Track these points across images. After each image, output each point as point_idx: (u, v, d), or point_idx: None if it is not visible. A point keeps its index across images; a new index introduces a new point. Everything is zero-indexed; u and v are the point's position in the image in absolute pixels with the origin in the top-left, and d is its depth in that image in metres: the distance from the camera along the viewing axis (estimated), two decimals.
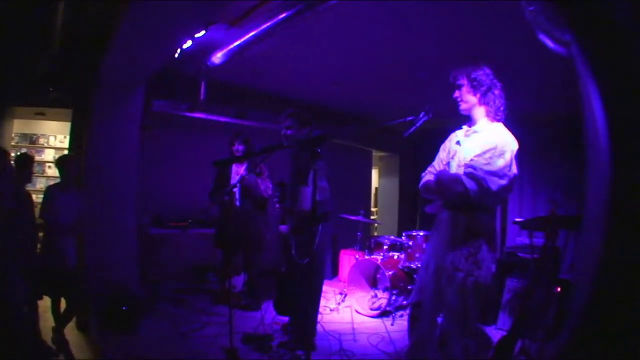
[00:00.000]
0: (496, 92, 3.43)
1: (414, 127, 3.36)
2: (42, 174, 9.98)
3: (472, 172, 3.22)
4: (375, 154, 12.43)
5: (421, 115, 3.32)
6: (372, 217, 12.42)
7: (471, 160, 3.31)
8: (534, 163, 8.04)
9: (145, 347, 5.01)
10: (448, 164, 3.61)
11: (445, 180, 3.38)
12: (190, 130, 7.99)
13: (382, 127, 3.04)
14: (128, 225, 5.34)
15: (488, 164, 3.22)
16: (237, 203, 6.53)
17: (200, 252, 7.62)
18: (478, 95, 3.43)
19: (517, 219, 5.09)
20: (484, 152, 3.28)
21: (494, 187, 3.18)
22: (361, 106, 9.15)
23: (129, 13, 3.87)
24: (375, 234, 11.59)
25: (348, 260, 8.84)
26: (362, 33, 5.45)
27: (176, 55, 5.21)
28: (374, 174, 13.38)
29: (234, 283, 6.93)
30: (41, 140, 10.13)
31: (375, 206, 13.53)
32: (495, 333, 5.90)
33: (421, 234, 7.17)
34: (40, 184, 9.71)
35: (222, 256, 6.92)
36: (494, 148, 3.26)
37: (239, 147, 6.58)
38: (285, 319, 5.65)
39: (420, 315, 3.62)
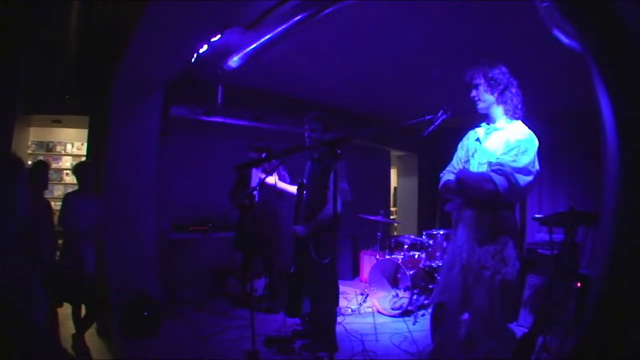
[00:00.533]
0: (513, 90, 3.43)
1: (433, 126, 3.35)
2: (60, 181, 10.02)
3: (501, 168, 3.21)
4: (394, 153, 12.41)
5: (440, 114, 3.30)
6: (391, 217, 12.43)
7: (497, 158, 3.31)
8: (551, 160, 7.97)
9: (166, 351, 5.01)
10: (467, 161, 3.60)
11: (473, 179, 3.36)
12: (208, 134, 7.97)
13: (401, 127, 3.02)
14: (147, 230, 5.33)
15: (514, 161, 3.22)
16: (256, 206, 6.53)
17: (221, 256, 7.60)
18: (496, 94, 3.43)
19: (537, 215, 5.02)
20: (510, 150, 3.28)
21: (522, 183, 3.19)
22: (377, 107, 9.15)
23: (144, 17, 3.89)
24: (395, 233, 11.57)
25: (369, 260, 8.85)
26: (376, 34, 5.44)
27: (193, 60, 5.24)
28: (393, 173, 13.37)
29: (255, 287, 6.95)
30: (58, 148, 10.16)
31: (395, 206, 13.52)
32: (517, 330, 5.91)
33: (441, 232, 7.14)
34: (58, 191, 9.75)
35: (242, 259, 6.93)
36: (518, 146, 3.26)
37: (258, 153, 6.57)
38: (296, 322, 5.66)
39: (444, 315, 3.60)
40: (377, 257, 7.75)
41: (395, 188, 13.59)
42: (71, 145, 10.23)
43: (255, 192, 6.43)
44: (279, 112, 8.01)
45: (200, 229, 7.22)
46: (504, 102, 3.43)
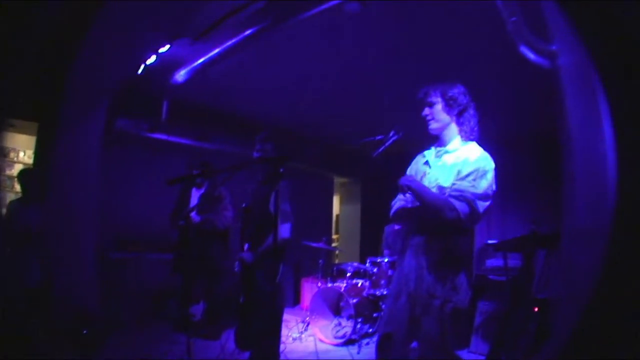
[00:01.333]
0: (471, 111, 3.27)
1: (383, 146, 3.25)
2: (12, 189, 9.59)
3: (462, 194, 3.04)
4: (337, 180, 12.31)
5: (391, 134, 3.21)
6: (333, 244, 12.32)
7: (453, 184, 3.12)
8: (501, 185, 8.06)
9: None
10: None
11: (434, 206, 3.13)
12: (151, 151, 7.74)
13: (351, 146, 2.92)
14: (88, 246, 5.10)
15: (473, 186, 3.05)
16: (194, 229, 6.34)
17: (161, 277, 7.32)
18: (453, 115, 3.26)
19: (490, 241, 5.00)
20: (467, 175, 3.10)
21: (481, 209, 3.04)
22: (325, 130, 9.05)
23: (96, 24, 3.71)
24: (337, 261, 11.48)
25: (310, 288, 8.65)
26: (326, 53, 5.38)
27: (140, 71, 5.05)
28: (335, 201, 13.22)
29: (193, 311, 6.71)
30: (12, 155, 9.69)
31: (337, 233, 13.39)
32: (468, 356, 5.89)
33: (386, 260, 6.98)
34: (10, 199, 9.32)
35: (182, 282, 6.68)
36: (477, 169, 3.09)
37: (195, 172, 6.43)
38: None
39: (390, 347, 3.46)
40: (319, 284, 7.55)
41: (337, 215, 13.46)
42: (23, 153, 9.72)
43: (192, 213, 6.27)
44: (224, 131, 7.84)
45: (139, 249, 6.98)
46: (460, 124, 3.27)
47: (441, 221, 3.10)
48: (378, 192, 11.50)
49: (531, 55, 3.31)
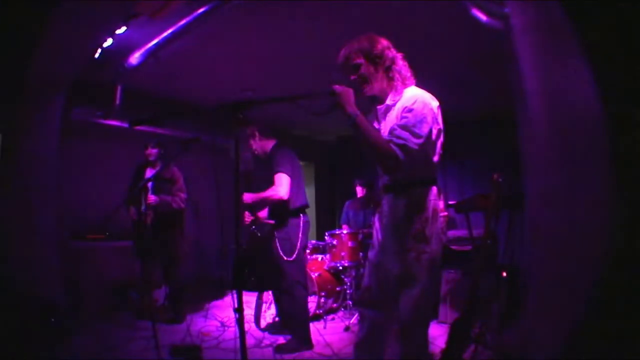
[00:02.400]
0: (399, 62, 3.19)
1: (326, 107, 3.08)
2: None
3: (395, 140, 2.96)
4: None
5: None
6: None
7: (394, 129, 3.03)
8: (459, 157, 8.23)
9: None
10: None
11: (377, 150, 3.02)
12: (107, 139, 7.67)
13: (302, 97, 2.89)
14: (50, 236, 5.03)
15: (404, 124, 2.98)
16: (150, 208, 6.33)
17: (120, 266, 7.24)
18: (380, 71, 3.18)
19: (450, 202, 5.06)
20: (404, 117, 3.01)
21: (412, 145, 2.93)
22: (276, 116, 9.12)
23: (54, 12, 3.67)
24: None
25: None
26: (281, 34, 5.44)
27: (97, 55, 4.99)
28: None
29: (155, 296, 6.69)
30: None
31: None
32: (437, 327, 5.91)
33: (345, 232, 6.82)
34: None
35: (141, 268, 6.67)
36: (413, 109, 3.00)
37: (152, 151, 6.43)
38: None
39: (369, 309, 3.50)
40: None
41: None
42: None
43: (148, 193, 6.26)
44: (178, 116, 7.81)
45: (97, 237, 6.90)
46: (393, 78, 3.18)
47: (382, 166, 3.13)
48: (331, 173, 11.64)
49: (483, 17, 3.39)
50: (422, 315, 3.14)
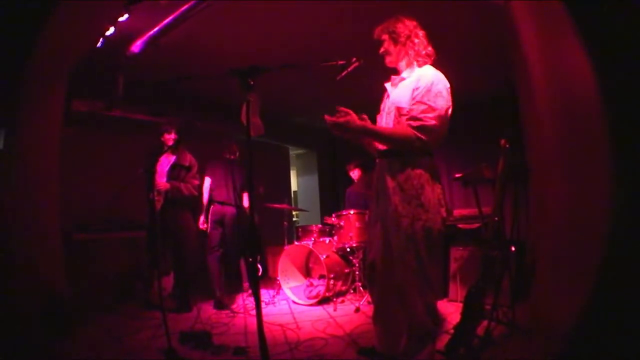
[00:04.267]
0: (416, 40, 3.48)
1: (345, 72, 3.29)
2: None
3: (421, 123, 3.20)
4: (292, 152, 12.38)
5: (353, 60, 3.25)
6: (294, 219, 12.39)
7: (410, 109, 3.29)
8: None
9: (80, 352, 4.71)
10: (380, 115, 3.66)
11: (399, 142, 3.29)
12: (110, 130, 7.64)
13: (315, 66, 2.92)
14: (53, 228, 5.05)
15: (429, 106, 3.22)
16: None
17: (126, 257, 7.27)
18: (398, 46, 3.50)
19: (457, 175, 5.05)
20: (422, 95, 3.26)
21: (429, 123, 3.20)
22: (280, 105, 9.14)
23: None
24: (298, 224, 11.55)
25: (276, 253, 8.43)
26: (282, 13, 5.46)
27: (99, 45, 5.01)
28: (292, 175, 13.16)
29: (165, 285, 6.70)
30: None
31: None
32: (448, 305, 6.00)
33: (352, 212, 6.81)
34: None
35: (150, 255, 6.71)
36: (429, 89, 3.26)
37: (171, 136, 6.43)
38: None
39: (374, 275, 3.57)
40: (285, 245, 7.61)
41: (295, 192, 13.50)
42: None
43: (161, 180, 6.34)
44: (181, 105, 7.85)
45: (103, 228, 6.92)
46: (407, 53, 3.50)
47: (409, 150, 3.27)
48: (332, 160, 11.67)
49: None
50: (421, 286, 3.18)
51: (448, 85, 3.33)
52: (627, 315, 2.41)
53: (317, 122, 11.20)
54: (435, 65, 3.49)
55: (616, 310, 2.45)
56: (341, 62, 3.24)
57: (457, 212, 6.84)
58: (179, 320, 5.97)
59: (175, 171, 6.46)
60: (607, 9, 2.39)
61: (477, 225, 6.12)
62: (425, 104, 3.21)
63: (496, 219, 3.96)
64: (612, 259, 2.45)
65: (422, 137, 3.17)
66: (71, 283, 5.56)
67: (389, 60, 3.57)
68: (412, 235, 3.17)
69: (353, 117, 3.25)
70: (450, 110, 3.32)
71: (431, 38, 3.53)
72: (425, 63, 3.48)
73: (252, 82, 2.82)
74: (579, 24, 2.57)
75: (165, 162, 6.48)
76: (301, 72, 6.67)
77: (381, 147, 3.50)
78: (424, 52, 3.48)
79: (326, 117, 3.27)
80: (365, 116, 3.39)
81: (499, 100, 7.07)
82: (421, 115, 3.20)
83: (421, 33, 3.50)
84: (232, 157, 6.80)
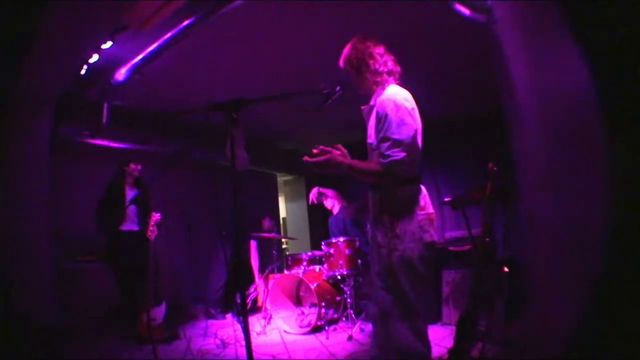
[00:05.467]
0: (371, 61, 3.32)
1: (330, 101, 3.26)
2: None
3: (382, 161, 3.12)
4: (280, 178, 12.43)
5: (337, 89, 3.21)
6: (283, 247, 12.37)
7: (378, 146, 3.19)
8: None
9: None
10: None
11: (374, 177, 3.26)
12: (94, 158, 7.65)
13: (297, 95, 2.92)
14: (44, 257, 5.04)
15: (384, 135, 3.12)
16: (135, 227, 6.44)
17: (113, 287, 7.23)
18: (363, 74, 3.35)
19: (446, 199, 5.08)
20: (380, 128, 3.17)
21: (397, 156, 3.06)
22: (265, 126, 9.18)
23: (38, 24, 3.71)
24: (287, 253, 11.53)
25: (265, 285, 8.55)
26: (271, 41, 5.51)
27: (83, 72, 5.04)
28: (280, 201, 13.16)
29: (153, 315, 6.65)
30: None
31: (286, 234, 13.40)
32: (442, 329, 6.00)
33: (342, 240, 6.79)
34: None
35: (128, 291, 6.65)
36: (383, 116, 3.15)
37: (137, 167, 6.47)
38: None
39: (370, 305, 3.59)
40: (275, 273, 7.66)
41: (284, 219, 13.45)
42: None
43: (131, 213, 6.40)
44: (165, 132, 7.88)
45: (87, 259, 6.90)
46: (365, 77, 3.35)
47: (385, 184, 3.25)
48: (322, 185, 11.70)
49: (466, 12, 3.49)
50: (405, 312, 3.15)
51: (410, 104, 3.21)
52: (624, 330, 2.42)
53: (304, 147, 11.27)
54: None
55: (613, 325, 2.46)
56: (325, 91, 3.21)
57: (448, 235, 6.89)
58: (170, 350, 5.98)
59: (143, 203, 6.54)
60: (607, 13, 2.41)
61: (468, 247, 6.16)
62: (390, 138, 3.09)
63: (486, 239, 4.00)
64: (609, 272, 2.46)
65: (393, 172, 3.10)
66: (60, 311, 5.55)
67: (359, 90, 3.44)
68: (389, 265, 3.16)
69: (333, 154, 3.18)
70: (419, 129, 3.22)
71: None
72: (387, 82, 3.34)
73: (236, 116, 2.84)
74: (576, 30, 2.58)
75: (130, 193, 6.56)
76: (286, 101, 6.73)
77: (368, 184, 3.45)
78: (383, 70, 3.33)
79: (305, 158, 3.18)
80: (339, 146, 3.32)
81: (488, 119, 7.19)
82: (388, 152, 3.09)
83: (378, 50, 3.35)
84: None
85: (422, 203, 3.27)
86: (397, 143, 3.07)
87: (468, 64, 6.36)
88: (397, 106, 3.12)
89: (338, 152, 3.23)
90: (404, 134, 3.08)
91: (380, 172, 3.14)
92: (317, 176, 11.31)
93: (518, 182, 3.46)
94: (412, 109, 3.21)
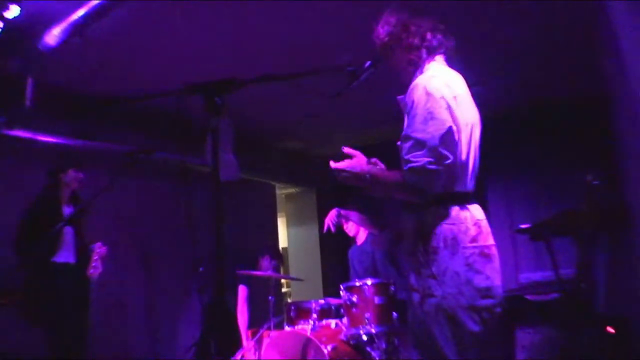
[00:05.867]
0: (404, 34, 3.35)
1: (357, 81, 3.24)
2: None
3: (408, 167, 3.06)
4: (280, 192, 12.38)
5: (366, 65, 3.23)
6: (283, 291, 12.33)
7: (399, 144, 3.20)
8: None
9: None
10: None
11: (396, 192, 3.29)
12: (14, 158, 7.52)
13: (313, 74, 2.83)
14: None
15: (406, 134, 3.14)
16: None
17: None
18: (398, 54, 3.40)
19: (522, 226, 4.99)
20: (408, 126, 3.16)
21: (418, 163, 3.00)
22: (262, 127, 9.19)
23: None
24: (289, 300, 11.47)
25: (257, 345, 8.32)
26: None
27: None
28: (280, 224, 13.05)
29: None
30: None
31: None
32: None
33: (369, 282, 6.49)
34: None
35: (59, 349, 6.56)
36: (411, 108, 3.16)
37: (77, 175, 6.46)
38: None
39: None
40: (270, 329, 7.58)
41: (284, 249, 13.21)
42: None
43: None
44: (118, 126, 7.84)
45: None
46: (399, 58, 3.41)
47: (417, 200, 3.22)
48: (339, 201, 11.61)
49: None
50: None
51: (451, 91, 3.18)
52: None
53: (315, 147, 11.19)
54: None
55: None
56: (350, 68, 3.18)
57: (524, 277, 6.81)
58: None
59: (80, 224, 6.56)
60: None
61: (554, 295, 6.08)
62: (411, 137, 3.08)
63: (582, 285, 3.93)
64: None
65: (414, 184, 3.06)
66: None
67: (400, 75, 3.48)
68: (422, 315, 3.14)
69: (360, 159, 3.24)
70: (461, 127, 3.16)
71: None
72: (427, 62, 3.36)
73: (220, 102, 2.73)
74: None
75: (67, 211, 6.58)
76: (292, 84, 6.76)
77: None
78: (421, 45, 3.34)
79: (333, 164, 3.20)
80: (375, 160, 3.38)
81: (586, 112, 7.13)
82: (408, 156, 3.06)
83: (416, 20, 3.36)
84: None
85: (472, 232, 3.19)
86: (419, 144, 3.03)
87: (548, 35, 6.32)
88: (428, 94, 3.10)
89: (362, 158, 3.26)
90: (430, 132, 3.03)
91: (400, 183, 3.12)
92: (336, 188, 11.27)
93: (631, 202, 3.39)
94: (454, 97, 3.17)
